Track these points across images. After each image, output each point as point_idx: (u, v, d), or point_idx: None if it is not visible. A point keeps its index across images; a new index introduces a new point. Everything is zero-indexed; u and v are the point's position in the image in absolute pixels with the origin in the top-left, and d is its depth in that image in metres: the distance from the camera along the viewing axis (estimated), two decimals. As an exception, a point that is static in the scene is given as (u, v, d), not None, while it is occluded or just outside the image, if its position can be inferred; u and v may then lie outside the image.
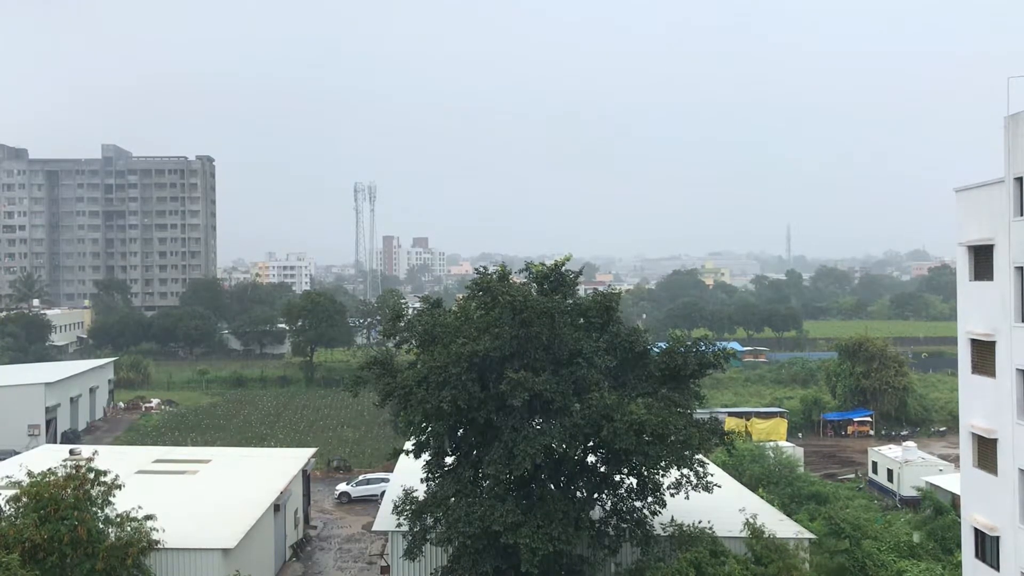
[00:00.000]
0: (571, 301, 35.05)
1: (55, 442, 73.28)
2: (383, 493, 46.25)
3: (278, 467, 49.93)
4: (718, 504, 36.51)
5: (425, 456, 34.13)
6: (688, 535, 32.67)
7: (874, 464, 64.75)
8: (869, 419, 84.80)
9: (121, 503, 32.86)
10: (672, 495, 32.76)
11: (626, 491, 33.32)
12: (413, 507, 32.81)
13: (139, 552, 31.65)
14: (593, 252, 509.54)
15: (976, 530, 31.68)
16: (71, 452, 49.12)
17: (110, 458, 43.71)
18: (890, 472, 61.75)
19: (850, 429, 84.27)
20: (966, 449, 32.58)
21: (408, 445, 35.52)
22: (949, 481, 52.08)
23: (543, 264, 37.33)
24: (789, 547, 32.85)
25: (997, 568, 30.34)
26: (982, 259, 31.17)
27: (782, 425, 79.69)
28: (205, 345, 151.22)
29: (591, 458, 33.65)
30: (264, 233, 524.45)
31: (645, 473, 32.21)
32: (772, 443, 62.83)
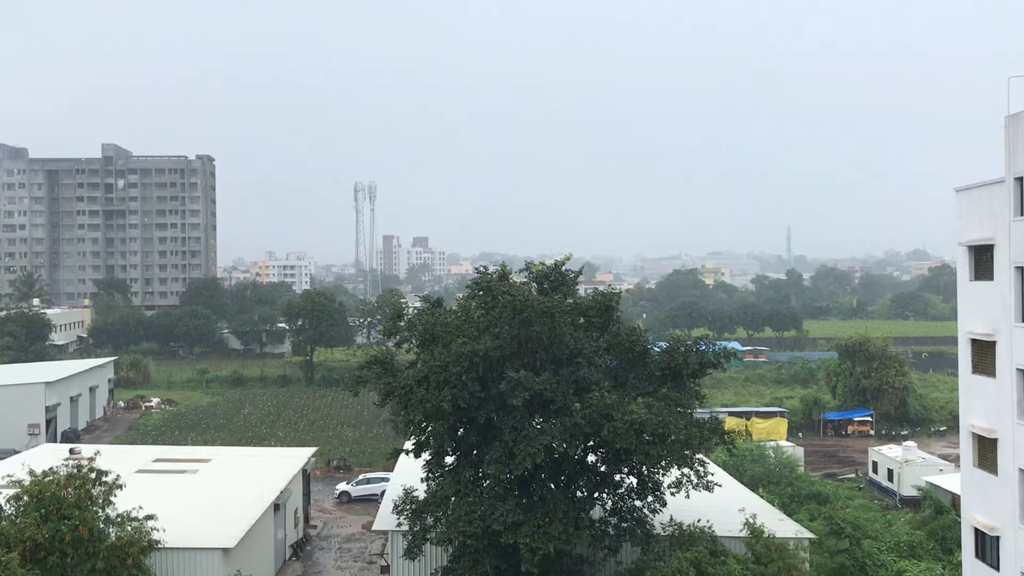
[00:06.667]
0: (571, 301, 35.04)
1: (55, 441, 73.33)
2: (383, 493, 46.26)
3: (278, 466, 49.92)
4: (718, 504, 36.54)
5: (425, 456, 34.11)
6: (688, 534, 32.69)
7: (874, 464, 64.79)
8: (869, 419, 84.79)
9: (121, 502, 32.87)
10: (672, 494, 32.78)
11: (626, 490, 33.33)
12: (413, 507, 32.80)
13: (139, 552, 31.68)
14: (593, 252, 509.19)
15: (976, 530, 31.69)
16: (71, 451, 49.08)
17: (110, 457, 43.65)
18: (890, 472, 61.79)
19: (850, 429, 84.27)
20: (966, 449, 32.60)
21: (408, 445, 35.52)
22: (949, 481, 52.10)
23: (543, 264, 37.33)
24: (789, 547, 32.81)
25: (997, 568, 30.35)
26: (982, 259, 31.19)
27: (782, 425, 79.74)
28: (205, 344, 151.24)
29: (591, 458, 33.62)
30: (264, 233, 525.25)
31: (645, 472, 32.23)
32: (772, 443, 62.87)
